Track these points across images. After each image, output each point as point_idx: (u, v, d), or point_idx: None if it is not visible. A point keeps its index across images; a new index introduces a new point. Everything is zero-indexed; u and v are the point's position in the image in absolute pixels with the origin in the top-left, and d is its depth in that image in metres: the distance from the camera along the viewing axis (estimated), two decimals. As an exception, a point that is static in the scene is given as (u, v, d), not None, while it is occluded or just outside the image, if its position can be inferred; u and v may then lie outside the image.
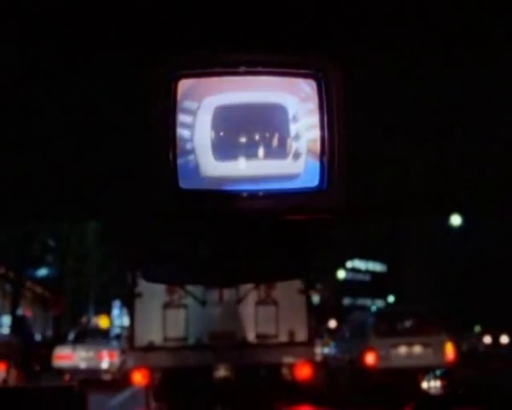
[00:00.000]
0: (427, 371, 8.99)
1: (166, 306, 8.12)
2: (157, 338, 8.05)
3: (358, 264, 52.39)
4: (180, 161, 1.04)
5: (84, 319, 32.64)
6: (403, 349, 10.54)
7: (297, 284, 8.10)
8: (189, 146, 1.05)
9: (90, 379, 11.99)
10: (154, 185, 1.04)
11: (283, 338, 8.16)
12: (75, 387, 1.48)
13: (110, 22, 1.14)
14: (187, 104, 1.05)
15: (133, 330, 8.24)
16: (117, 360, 14.15)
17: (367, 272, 53.41)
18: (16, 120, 1.23)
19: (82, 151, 1.22)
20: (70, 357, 14.26)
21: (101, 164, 1.23)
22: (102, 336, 16.65)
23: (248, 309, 8.18)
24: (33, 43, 1.16)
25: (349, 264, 50.34)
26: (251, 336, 8.08)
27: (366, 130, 1.18)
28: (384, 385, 9.81)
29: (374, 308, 46.18)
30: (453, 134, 1.27)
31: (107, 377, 13.74)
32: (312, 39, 1.14)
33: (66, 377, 13.49)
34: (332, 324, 13.84)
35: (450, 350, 10.37)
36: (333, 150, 1.06)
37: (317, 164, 1.07)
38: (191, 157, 1.05)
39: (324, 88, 1.07)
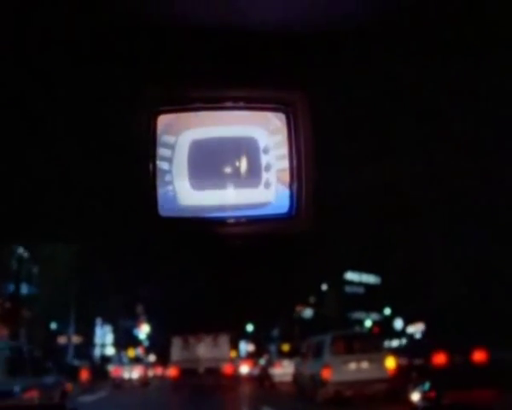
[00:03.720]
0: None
1: (182, 348, 22.16)
2: (179, 358, 21.96)
3: (351, 276, 52.50)
4: (160, 190, 1.18)
5: (62, 339, 31.18)
6: (353, 365, 13.30)
7: (227, 337, 22.57)
8: (168, 177, 1.19)
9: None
10: (135, 213, 1.18)
11: (221, 358, 21.85)
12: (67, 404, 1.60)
13: (93, 56, 1.28)
14: (166, 139, 1.19)
15: (170, 356, 22.69)
16: (141, 372, 29.11)
17: (360, 284, 53.56)
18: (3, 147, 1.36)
19: (67, 179, 1.35)
20: (120, 371, 28.78)
21: (87, 191, 1.36)
22: (132, 360, 36.36)
23: (209, 348, 22.12)
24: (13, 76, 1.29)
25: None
26: (209, 358, 21.75)
27: (331, 160, 1.32)
28: (339, 396, 12.70)
29: (368, 322, 46.36)
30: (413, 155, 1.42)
31: (136, 382, 27.78)
32: (280, 75, 1.28)
33: (117, 381, 27.13)
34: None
35: (390, 364, 13.44)
36: (301, 179, 1.20)
37: (286, 192, 1.21)
38: (170, 187, 1.19)
39: (293, 121, 1.22)
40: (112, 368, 30.96)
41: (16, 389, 8.15)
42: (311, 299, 49.24)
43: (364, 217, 1.53)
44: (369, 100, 1.33)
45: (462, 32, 1.25)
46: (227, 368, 21.91)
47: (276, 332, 47.21)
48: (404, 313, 39.23)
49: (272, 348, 37.07)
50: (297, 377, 16.49)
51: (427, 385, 4.94)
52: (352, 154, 1.41)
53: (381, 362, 13.35)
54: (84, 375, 25.79)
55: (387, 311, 45.11)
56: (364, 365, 13.32)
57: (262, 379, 23.89)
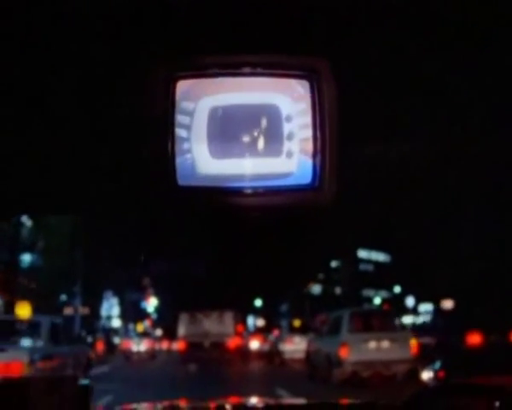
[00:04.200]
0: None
1: (189, 323, 24.73)
2: (186, 333, 24.48)
3: (361, 253, 52.54)
4: (178, 159, 1.15)
5: (68, 309, 30.45)
6: (373, 344, 12.45)
7: (231, 314, 25.17)
8: (186, 145, 1.16)
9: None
10: (153, 182, 1.15)
11: (225, 333, 24.27)
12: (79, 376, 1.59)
13: (111, 22, 1.24)
14: (185, 105, 1.15)
15: (178, 331, 25.15)
16: (149, 346, 31.21)
17: (370, 261, 53.63)
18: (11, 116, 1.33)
19: (82, 149, 1.32)
20: (129, 344, 30.98)
21: (101, 161, 1.33)
22: (141, 334, 40.34)
23: (215, 323, 24.60)
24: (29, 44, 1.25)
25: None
26: (216, 332, 24.20)
27: (356, 130, 1.28)
28: (357, 376, 11.94)
29: (377, 300, 46.46)
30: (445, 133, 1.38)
31: (144, 354, 29.58)
32: (305, 41, 1.24)
33: (127, 353, 29.34)
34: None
35: (414, 345, 12.56)
36: (324, 149, 1.16)
37: (309, 162, 1.17)
38: (188, 156, 1.16)
39: (317, 89, 1.17)
40: (121, 341, 34.85)
41: (35, 357, 9.03)
42: (320, 275, 49.45)
43: (373, 195, 1.50)
44: (382, 77, 1.29)
45: (477, 14, 1.20)
46: (231, 343, 24.71)
47: (284, 307, 47.48)
48: (415, 290, 39.09)
49: (283, 323, 36.93)
50: (310, 354, 15.60)
51: (437, 364, 4.91)
52: (360, 130, 1.37)
53: (404, 342, 12.53)
54: (100, 346, 28.18)
55: (397, 289, 45.19)
56: (385, 344, 12.52)
57: (272, 355, 23.62)
